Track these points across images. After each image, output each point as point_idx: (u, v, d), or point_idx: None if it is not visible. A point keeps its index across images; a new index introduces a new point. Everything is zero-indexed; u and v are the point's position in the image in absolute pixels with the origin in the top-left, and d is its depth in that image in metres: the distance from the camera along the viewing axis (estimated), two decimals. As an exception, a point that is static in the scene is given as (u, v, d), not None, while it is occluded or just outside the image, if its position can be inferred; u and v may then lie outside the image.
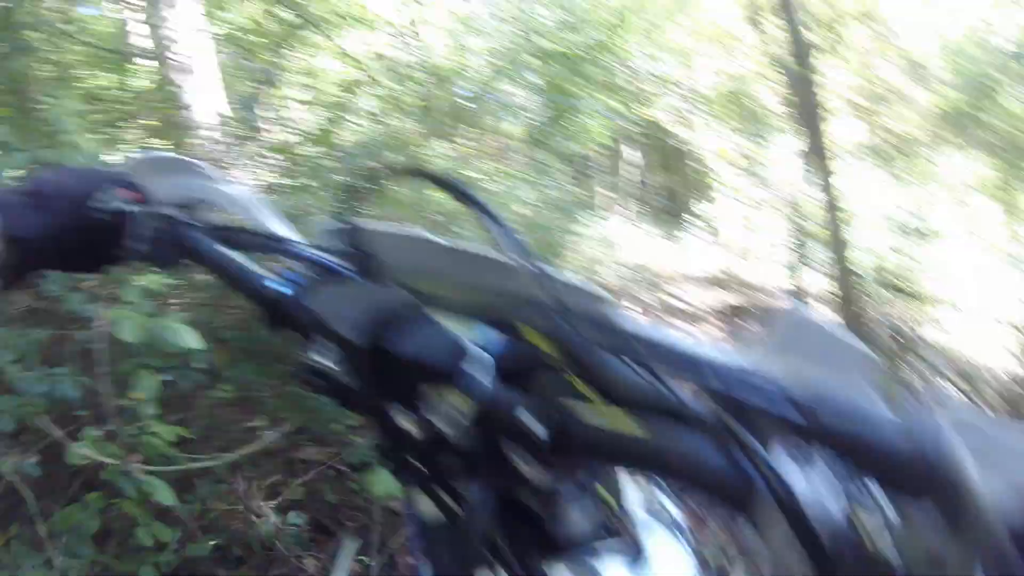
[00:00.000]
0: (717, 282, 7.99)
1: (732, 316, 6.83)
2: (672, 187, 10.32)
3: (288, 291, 0.74)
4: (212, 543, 1.81)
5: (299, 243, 0.82)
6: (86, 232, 0.78)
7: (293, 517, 1.86)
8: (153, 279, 1.69)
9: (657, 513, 0.81)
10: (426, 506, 0.68)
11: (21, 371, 1.55)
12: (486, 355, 0.62)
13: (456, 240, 0.74)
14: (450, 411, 0.60)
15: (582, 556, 0.71)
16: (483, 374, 0.61)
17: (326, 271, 0.81)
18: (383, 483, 1.89)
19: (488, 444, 0.62)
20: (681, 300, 7.14)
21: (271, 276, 0.76)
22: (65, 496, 1.70)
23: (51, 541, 1.55)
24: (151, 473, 1.60)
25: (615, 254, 7.16)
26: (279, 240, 0.83)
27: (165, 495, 1.57)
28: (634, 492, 0.82)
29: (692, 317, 6.71)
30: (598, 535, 0.81)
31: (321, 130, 3.68)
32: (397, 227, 0.80)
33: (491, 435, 0.61)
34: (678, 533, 0.80)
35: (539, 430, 0.55)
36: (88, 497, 1.59)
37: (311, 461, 2.33)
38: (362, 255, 0.83)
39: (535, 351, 0.61)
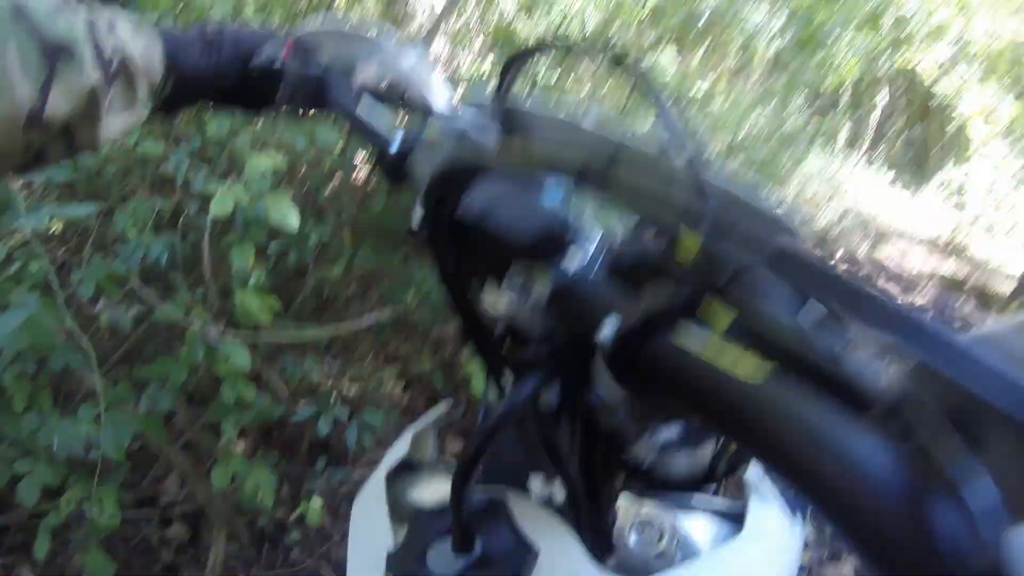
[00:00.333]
0: (942, 250, 7.08)
1: (947, 290, 6.05)
2: (918, 140, 9.13)
3: (407, 148, 0.71)
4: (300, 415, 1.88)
5: (440, 106, 0.81)
6: (243, 79, 0.80)
7: (370, 414, 1.87)
8: (279, 160, 1.71)
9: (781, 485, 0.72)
10: (496, 397, 0.63)
11: (135, 237, 1.65)
12: (594, 238, 0.53)
13: (619, 131, 0.66)
14: (529, 292, 0.53)
15: (666, 501, 0.64)
16: (577, 259, 0.52)
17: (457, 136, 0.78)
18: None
19: (568, 343, 0.54)
20: (895, 260, 6.42)
21: (397, 132, 0.73)
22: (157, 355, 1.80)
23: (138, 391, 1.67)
24: (243, 342, 1.64)
25: (839, 198, 6.53)
26: (420, 100, 0.82)
27: (242, 359, 1.60)
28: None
29: (901, 280, 6.02)
30: (693, 485, 0.76)
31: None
32: (552, 109, 0.75)
33: (573, 336, 0.53)
34: (796, 513, 0.71)
35: (607, 335, 0.44)
36: (180, 353, 1.66)
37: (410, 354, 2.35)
38: (505, 126, 0.80)
39: (672, 256, 0.49)
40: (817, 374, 0.37)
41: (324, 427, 1.77)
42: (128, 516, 1.85)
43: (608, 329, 0.44)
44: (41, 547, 1.57)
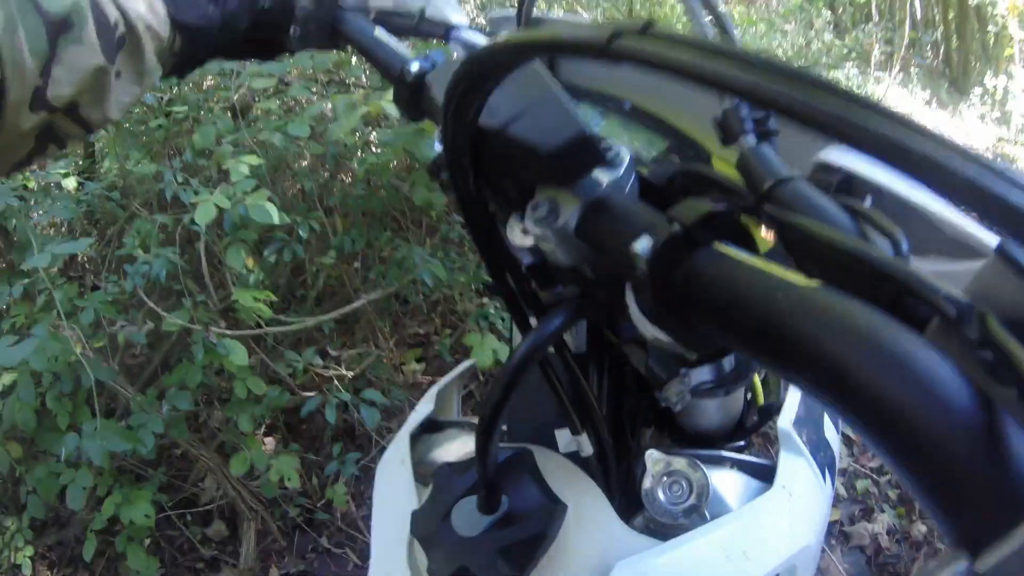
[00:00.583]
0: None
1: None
2: (955, 52, 8.71)
3: (423, 69, 0.65)
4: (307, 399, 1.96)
5: (458, 26, 0.76)
6: (254, 20, 0.76)
7: (370, 393, 1.95)
8: (255, 161, 1.79)
9: (813, 442, 0.70)
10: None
11: (143, 254, 1.76)
12: (624, 159, 0.49)
13: None
14: (556, 216, 0.48)
15: (695, 457, 0.62)
16: (609, 176, 0.48)
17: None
18: (486, 352, 1.90)
19: (597, 277, 0.50)
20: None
21: (412, 56, 0.68)
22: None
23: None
24: (235, 337, 1.74)
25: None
26: (438, 21, 0.77)
27: (239, 356, 1.70)
28: (793, 408, 0.73)
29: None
30: (724, 439, 0.76)
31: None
32: (586, 22, 0.72)
33: (604, 265, 0.49)
34: (825, 472, 0.69)
35: (645, 246, 0.39)
36: (196, 359, 1.75)
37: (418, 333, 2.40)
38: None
39: (709, 176, 0.48)
40: (870, 287, 0.32)
41: (330, 414, 1.85)
42: (170, 517, 1.98)
43: (646, 240, 0.39)
44: (88, 549, 1.74)
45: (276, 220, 1.65)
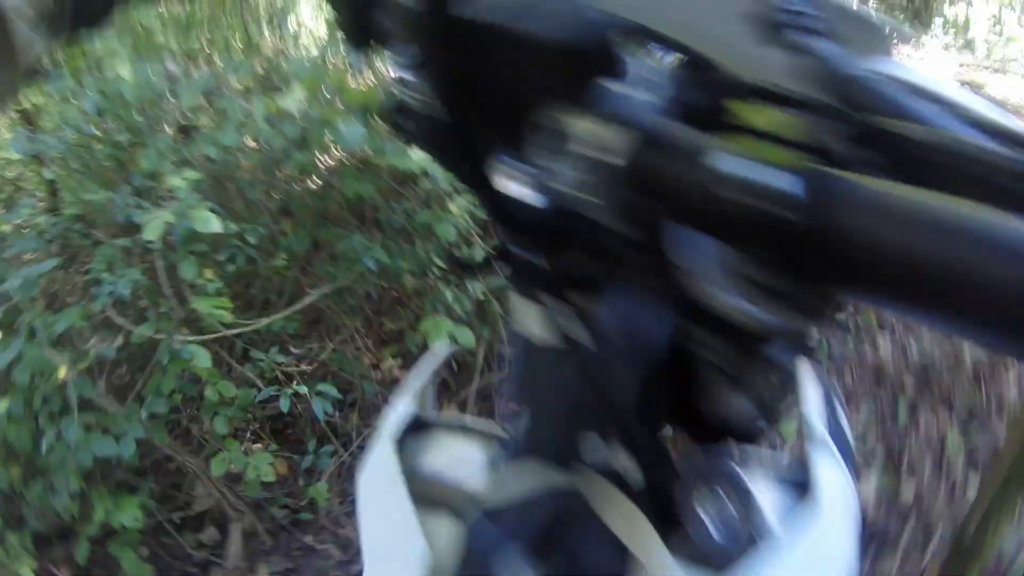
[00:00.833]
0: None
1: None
2: None
3: None
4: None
5: None
6: None
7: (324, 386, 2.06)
8: (193, 175, 1.90)
9: (834, 433, 0.61)
10: (535, 322, 0.46)
11: (109, 276, 1.87)
12: (658, 68, 0.38)
13: None
14: (583, 152, 0.35)
15: (729, 460, 0.54)
16: (645, 92, 0.36)
17: None
18: (442, 336, 2.00)
19: (638, 226, 0.37)
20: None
21: None
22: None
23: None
24: (197, 342, 1.86)
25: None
26: None
27: (203, 359, 1.82)
28: (816, 397, 0.63)
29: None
30: (748, 434, 0.62)
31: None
32: None
33: (645, 213, 0.36)
34: (847, 464, 0.60)
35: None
36: (169, 365, 1.88)
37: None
38: None
39: (782, 93, 0.35)
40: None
41: (284, 404, 1.98)
42: (165, 526, 2.11)
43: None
44: (81, 552, 1.88)
45: (219, 229, 1.77)
